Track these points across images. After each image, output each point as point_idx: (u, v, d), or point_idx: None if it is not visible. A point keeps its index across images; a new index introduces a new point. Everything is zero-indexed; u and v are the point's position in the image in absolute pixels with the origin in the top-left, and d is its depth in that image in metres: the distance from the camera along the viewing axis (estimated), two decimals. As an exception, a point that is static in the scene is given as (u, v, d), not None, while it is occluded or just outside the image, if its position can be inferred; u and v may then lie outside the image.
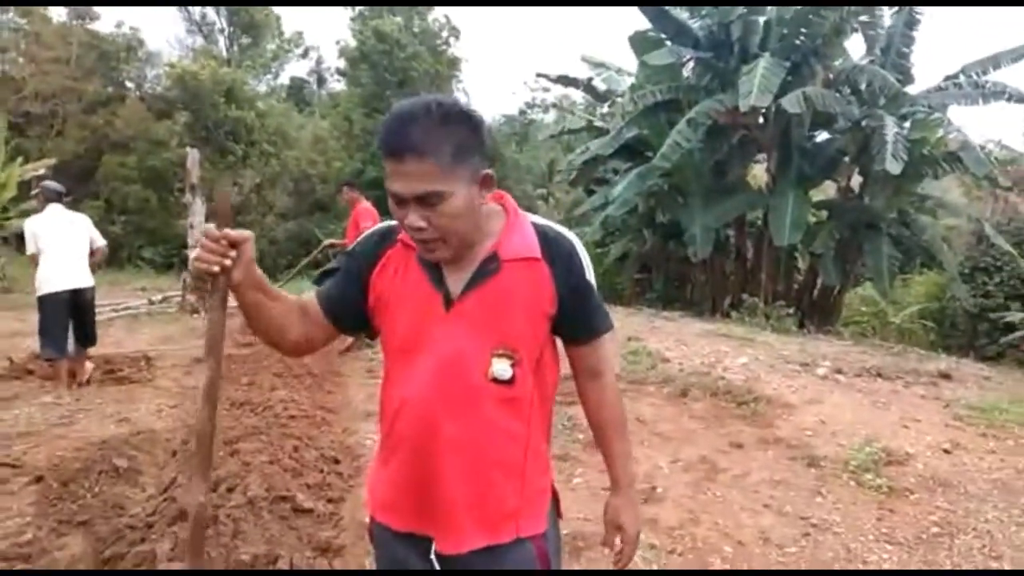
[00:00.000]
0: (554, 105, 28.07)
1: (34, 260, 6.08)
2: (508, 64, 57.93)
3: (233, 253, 1.44)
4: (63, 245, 6.14)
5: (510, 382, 1.49)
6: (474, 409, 1.49)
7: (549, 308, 1.52)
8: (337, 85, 29.90)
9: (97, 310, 6.74)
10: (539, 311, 1.51)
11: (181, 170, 13.11)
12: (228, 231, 1.44)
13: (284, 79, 30.90)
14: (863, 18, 12.61)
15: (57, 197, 6.31)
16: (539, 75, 18.22)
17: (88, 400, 5.86)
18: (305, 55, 30.35)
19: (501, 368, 1.48)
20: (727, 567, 3.34)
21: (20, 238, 6.25)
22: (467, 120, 1.40)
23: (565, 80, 16.81)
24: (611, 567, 1.76)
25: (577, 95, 22.33)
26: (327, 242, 10.10)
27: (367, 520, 3.69)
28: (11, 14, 21.99)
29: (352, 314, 1.61)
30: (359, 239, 1.63)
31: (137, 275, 18.19)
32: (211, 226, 1.44)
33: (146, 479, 4.27)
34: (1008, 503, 4.08)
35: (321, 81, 34.32)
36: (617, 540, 1.72)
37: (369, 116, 21.31)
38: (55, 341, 6.03)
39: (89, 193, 20.41)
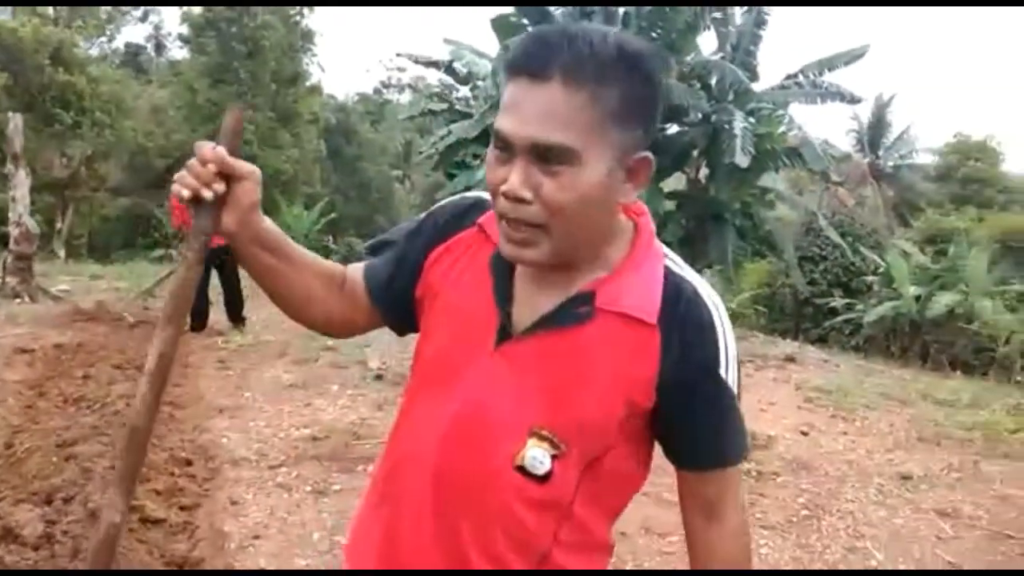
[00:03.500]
0: (410, 86, 27.65)
1: None
2: (364, 41, 56.63)
3: (220, 186, 1.03)
4: None
5: (544, 479, 1.02)
6: (482, 501, 1.04)
7: (642, 399, 1.02)
8: (179, 52, 28.12)
9: None
10: (622, 398, 1.01)
11: (5, 139, 11.78)
12: (223, 155, 1.03)
13: (119, 44, 28.66)
14: (716, 15, 13.12)
15: None
16: (399, 54, 17.76)
17: None
18: (144, 19, 28.25)
19: (536, 456, 1.01)
20: (619, 565, 3.29)
21: None
22: (648, 69, 0.96)
23: (426, 61, 16.50)
24: None
25: (433, 78, 22.03)
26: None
27: (225, 528, 3.44)
28: None
29: (401, 304, 1.18)
30: (442, 205, 1.21)
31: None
32: (207, 143, 1.05)
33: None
34: (863, 483, 4.30)
35: (160, 48, 32.22)
36: None
37: (214, 87, 20.17)
38: None
39: None
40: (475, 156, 16.10)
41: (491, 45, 15.52)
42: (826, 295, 15.62)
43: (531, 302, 1.04)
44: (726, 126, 12.58)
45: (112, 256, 19.18)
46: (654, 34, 13.04)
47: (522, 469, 1.02)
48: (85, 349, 6.75)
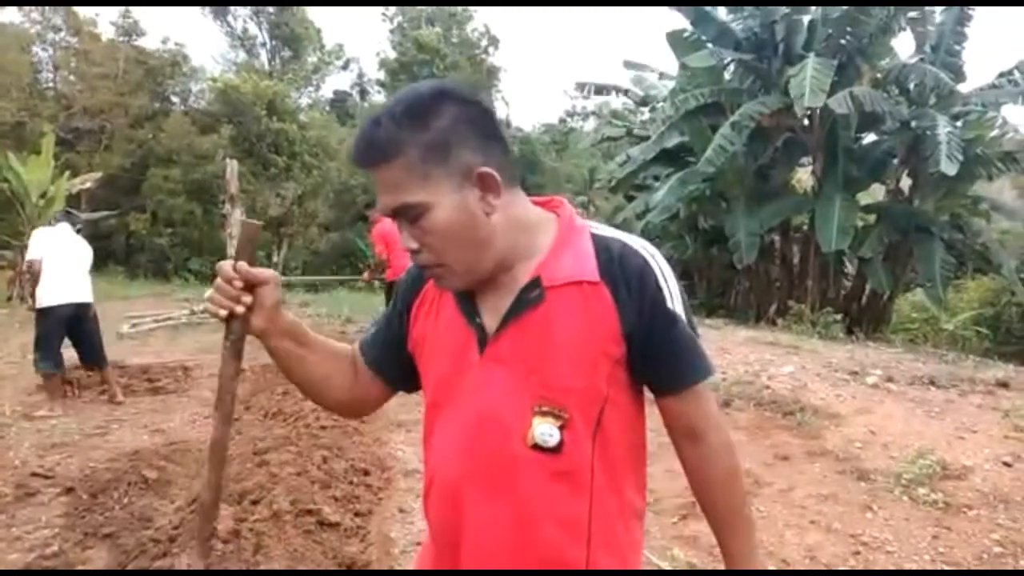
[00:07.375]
0: (593, 113, 27.93)
1: (31, 268, 5.89)
2: (548, 73, 58.05)
3: (248, 298, 1.20)
4: (66, 259, 6.04)
5: (556, 449, 1.13)
6: (511, 487, 1.14)
7: (613, 348, 1.14)
8: (379, 97, 30.19)
9: (139, 321, 6.78)
10: (596, 353, 1.13)
11: (224, 182, 13.27)
12: (246, 268, 1.20)
13: (326, 91, 31.33)
14: (911, 15, 12.23)
15: (68, 219, 6.35)
16: (578, 84, 18.07)
17: (124, 411, 5.87)
18: (346, 67, 30.67)
19: (544, 431, 1.12)
20: (771, 588, 3.15)
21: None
22: (448, 104, 1.10)
23: (604, 88, 16.64)
24: None
25: (617, 102, 22.16)
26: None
27: (392, 534, 3.64)
28: (62, 33, 22.63)
29: (396, 364, 1.33)
30: (404, 273, 1.37)
31: (183, 287, 18.46)
32: (227, 262, 1.21)
33: (176, 490, 4.22)
34: (1077, 522, 3.80)
35: (364, 93, 34.73)
36: None
37: (409, 126, 21.50)
38: (53, 355, 5.96)
39: (135, 206, 20.83)
40: (655, 178, 16.01)
41: (673, 63, 15.34)
42: (1060, 315, 13.87)
43: (494, 308, 1.17)
44: (928, 132, 11.67)
45: (319, 288, 20.78)
46: (843, 40, 12.40)
47: (537, 447, 1.13)
48: (287, 369, 7.40)
